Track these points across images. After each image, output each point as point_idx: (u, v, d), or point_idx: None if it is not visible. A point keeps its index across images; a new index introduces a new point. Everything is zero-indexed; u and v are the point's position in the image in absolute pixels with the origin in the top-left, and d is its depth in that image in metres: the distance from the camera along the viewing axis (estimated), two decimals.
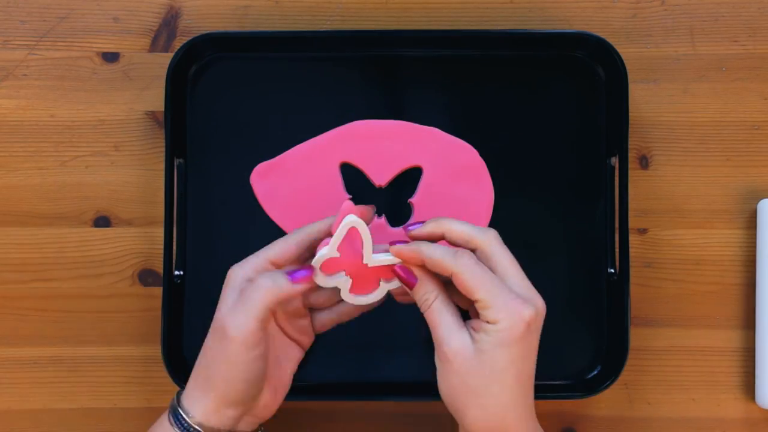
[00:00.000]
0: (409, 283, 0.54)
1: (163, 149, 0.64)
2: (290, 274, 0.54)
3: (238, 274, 0.55)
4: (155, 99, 0.66)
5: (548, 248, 0.65)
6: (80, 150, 0.66)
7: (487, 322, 0.51)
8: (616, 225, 0.64)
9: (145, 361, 0.66)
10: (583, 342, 0.65)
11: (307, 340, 0.59)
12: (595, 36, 0.64)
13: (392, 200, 0.65)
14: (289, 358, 0.58)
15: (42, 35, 0.67)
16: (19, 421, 0.66)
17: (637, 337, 0.65)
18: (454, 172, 0.64)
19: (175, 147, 0.64)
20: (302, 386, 0.65)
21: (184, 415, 0.54)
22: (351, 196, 0.64)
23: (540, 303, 0.52)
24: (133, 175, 0.66)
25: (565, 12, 0.67)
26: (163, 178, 0.64)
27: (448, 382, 0.52)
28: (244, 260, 0.55)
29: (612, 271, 0.64)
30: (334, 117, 0.65)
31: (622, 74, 0.63)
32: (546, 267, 0.65)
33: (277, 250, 0.55)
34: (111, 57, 0.67)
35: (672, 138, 0.66)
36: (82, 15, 0.67)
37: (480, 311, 0.51)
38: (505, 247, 0.54)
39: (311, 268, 0.54)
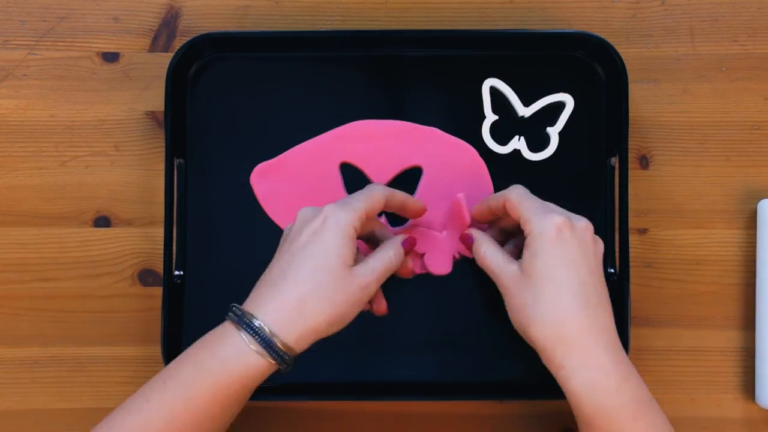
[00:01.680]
0: (469, 240, 0.60)
1: (163, 149, 0.64)
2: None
3: (345, 220, 0.54)
4: (155, 99, 0.66)
5: None
6: (80, 150, 0.66)
7: (527, 236, 0.55)
8: (616, 225, 0.64)
9: (145, 361, 0.66)
10: None
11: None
12: (595, 36, 0.64)
13: None
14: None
15: (42, 35, 0.67)
16: (19, 421, 0.66)
17: (637, 337, 0.65)
18: (454, 172, 0.64)
19: (175, 147, 0.64)
20: (302, 386, 0.65)
21: (277, 344, 0.52)
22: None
23: (578, 217, 0.56)
24: (133, 175, 0.66)
25: (565, 12, 0.67)
26: (163, 178, 0.64)
27: (513, 310, 0.56)
28: (343, 204, 0.55)
29: (612, 271, 0.64)
30: (334, 117, 0.65)
31: (622, 74, 0.63)
32: None
33: (372, 205, 0.56)
34: (111, 57, 0.67)
35: (672, 138, 0.66)
36: (82, 15, 0.67)
37: (523, 228, 0.56)
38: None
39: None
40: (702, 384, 0.66)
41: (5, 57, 0.67)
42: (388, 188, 0.58)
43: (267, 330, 0.52)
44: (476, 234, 0.60)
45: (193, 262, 0.65)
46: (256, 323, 0.52)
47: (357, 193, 0.57)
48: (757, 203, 0.65)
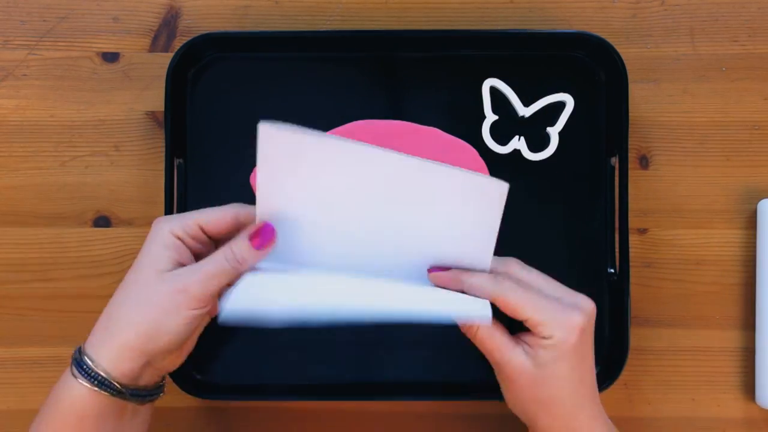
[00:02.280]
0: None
1: (163, 149, 0.64)
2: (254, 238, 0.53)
3: (164, 228, 0.53)
4: (155, 99, 0.66)
5: (548, 248, 0.65)
6: (80, 150, 0.66)
7: (543, 338, 0.53)
8: (616, 225, 0.64)
9: None
10: None
11: (215, 310, 0.55)
12: (595, 36, 0.64)
13: None
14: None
15: (42, 35, 0.67)
16: (19, 421, 0.66)
17: (637, 337, 0.65)
18: None
19: (175, 147, 0.64)
20: (302, 386, 0.65)
21: (90, 364, 0.51)
22: None
23: (587, 304, 0.54)
24: (133, 175, 0.66)
25: (565, 12, 0.67)
26: (163, 178, 0.64)
27: (515, 397, 0.55)
28: (172, 216, 0.55)
29: (612, 271, 0.64)
30: (334, 117, 0.65)
31: (622, 74, 0.63)
32: (546, 267, 0.65)
33: (210, 217, 0.54)
34: (111, 57, 0.67)
35: (672, 138, 0.66)
36: (82, 15, 0.67)
37: (532, 329, 0.53)
38: (530, 268, 0.56)
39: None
40: (702, 384, 0.66)
41: (5, 57, 0.67)
42: (250, 207, 0.54)
43: (82, 355, 0.52)
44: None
45: None
46: (76, 352, 0.52)
47: (202, 209, 0.55)
48: (757, 203, 0.65)
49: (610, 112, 0.65)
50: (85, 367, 0.51)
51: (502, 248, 0.65)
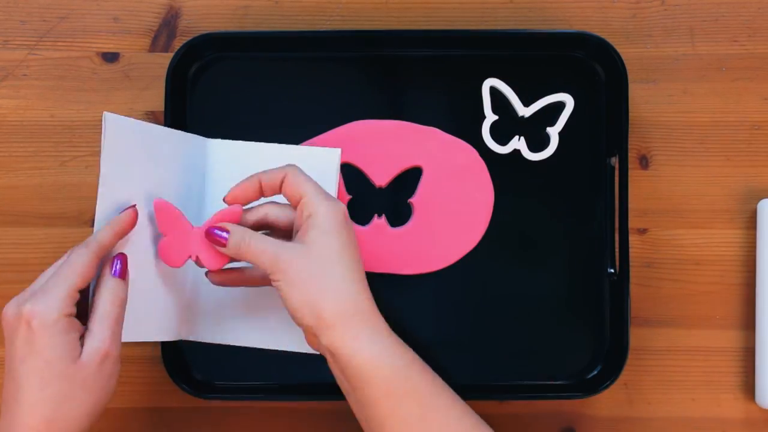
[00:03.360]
0: (220, 238, 0.54)
1: None
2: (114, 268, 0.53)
3: (45, 318, 0.49)
4: (155, 99, 0.66)
5: (548, 248, 0.65)
6: (80, 150, 0.66)
7: (310, 215, 0.54)
8: (616, 225, 0.64)
9: (145, 361, 0.66)
10: (583, 342, 0.65)
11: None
12: (595, 36, 0.64)
13: (392, 200, 0.65)
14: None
15: (42, 35, 0.67)
16: None
17: (637, 337, 0.65)
18: (454, 172, 0.64)
19: None
20: (302, 386, 0.65)
21: None
22: (351, 197, 0.64)
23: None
24: None
25: (565, 12, 0.67)
26: None
27: (294, 292, 0.53)
28: (40, 293, 0.50)
29: (612, 271, 0.64)
30: (334, 117, 0.65)
31: (622, 74, 0.63)
32: (546, 267, 0.65)
33: (79, 275, 0.51)
34: (111, 57, 0.67)
35: (672, 138, 0.66)
36: (82, 15, 0.67)
37: (303, 209, 0.54)
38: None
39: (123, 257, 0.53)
40: (702, 384, 0.66)
41: (5, 57, 0.67)
42: (91, 246, 0.52)
43: None
44: (231, 226, 0.55)
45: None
46: None
47: (56, 269, 0.52)
48: (757, 203, 0.65)
49: (610, 112, 0.65)
50: None
51: (502, 248, 0.65)
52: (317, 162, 0.59)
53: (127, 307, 0.53)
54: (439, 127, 0.65)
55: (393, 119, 0.65)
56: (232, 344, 0.62)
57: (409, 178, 0.65)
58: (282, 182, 0.56)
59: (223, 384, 0.65)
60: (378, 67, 0.65)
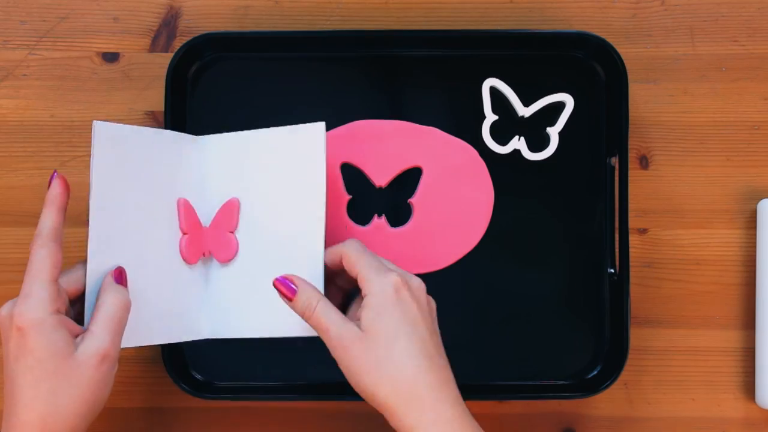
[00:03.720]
0: (288, 293, 0.55)
1: None
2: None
3: (37, 314, 0.50)
4: (155, 99, 0.66)
5: (548, 248, 0.65)
6: (80, 150, 0.66)
7: (365, 296, 0.53)
8: (616, 225, 0.64)
9: (145, 361, 0.66)
10: (583, 342, 0.65)
11: None
12: (595, 36, 0.64)
13: (392, 200, 0.65)
14: None
15: (42, 35, 0.67)
16: None
17: (637, 337, 0.65)
18: (454, 172, 0.64)
19: None
20: (302, 386, 0.65)
21: None
22: (351, 197, 0.64)
23: (411, 275, 0.55)
24: None
25: (565, 12, 0.67)
26: None
27: (355, 372, 0.52)
28: (22, 298, 0.51)
29: (612, 271, 0.64)
30: (334, 117, 0.65)
31: (622, 74, 0.63)
32: (546, 267, 0.65)
33: (49, 269, 0.52)
34: (111, 57, 0.67)
35: (672, 138, 0.66)
36: (82, 15, 0.67)
37: (360, 286, 0.54)
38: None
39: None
40: (702, 384, 0.66)
41: (5, 57, 0.67)
42: (44, 237, 0.53)
43: None
44: (300, 283, 0.55)
45: None
46: None
47: (27, 269, 0.52)
48: (757, 203, 0.65)
49: (610, 112, 0.65)
50: None
51: (502, 248, 0.65)
52: (302, 139, 0.58)
53: (148, 308, 0.54)
54: (439, 127, 0.65)
55: (393, 119, 0.65)
56: (254, 336, 0.61)
57: (409, 178, 0.65)
58: (341, 261, 0.55)
59: (223, 384, 0.65)
60: (378, 67, 0.65)
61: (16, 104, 0.67)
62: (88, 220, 0.53)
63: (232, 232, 0.60)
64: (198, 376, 0.65)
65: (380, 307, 0.52)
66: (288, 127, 0.59)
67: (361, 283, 0.54)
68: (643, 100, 0.66)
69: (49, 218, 0.53)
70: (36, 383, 0.50)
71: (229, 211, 0.60)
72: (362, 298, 0.54)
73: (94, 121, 0.54)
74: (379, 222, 0.64)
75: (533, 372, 0.65)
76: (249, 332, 0.60)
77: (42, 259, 0.52)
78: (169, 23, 0.67)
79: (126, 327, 0.53)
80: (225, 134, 0.61)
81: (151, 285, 0.56)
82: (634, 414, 0.66)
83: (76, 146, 0.66)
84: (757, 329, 0.65)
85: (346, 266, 0.55)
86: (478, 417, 0.67)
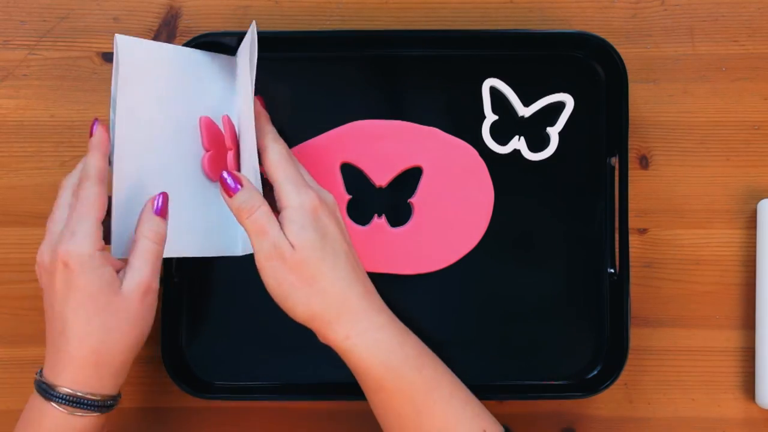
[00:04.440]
0: (230, 189, 0.55)
1: None
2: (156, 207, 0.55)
3: (82, 257, 0.52)
4: None
5: (548, 248, 0.65)
6: (80, 150, 0.66)
7: (283, 209, 0.54)
8: (616, 225, 0.64)
9: (145, 361, 0.66)
10: (583, 342, 0.65)
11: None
12: (595, 36, 0.64)
13: (392, 200, 0.65)
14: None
15: (42, 35, 0.67)
16: None
17: (637, 337, 0.65)
18: (454, 172, 0.64)
19: None
20: (302, 386, 0.65)
21: (68, 392, 0.52)
22: (351, 197, 0.64)
23: (324, 192, 0.56)
24: None
25: (565, 12, 0.67)
26: None
27: (284, 286, 0.54)
28: (68, 233, 0.52)
29: (612, 271, 0.64)
30: (334, 117, 0.65)
31: (622, 74, 0.63)
32: (546, 267, 0.65)
33: (98, 210, 0.54)
34: (111, 57, 0.67)
35: (672, 138, 0.66)
36: (82, 15, 0.67)
37: (277, 199, 0.55)
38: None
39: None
40: (702, 384, 0.66)
41: (5, 57, 0.67)
42: (92, 178, 0.54)
43: (78, 394, 0.52)
44: (246, 182, 0.55)
45: (192, 261, 0.65)
46: (63, 391, 0.52)
47: (73, 209, 0.54)
48: (757, 203, 0.65)
49: (610, 112, 0.65)
50: (90, 403, 0.53)
51: (502, 248, 0.65)
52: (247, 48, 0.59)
53: (177, 221, 0.56)
54: (439, 127, 0.65)
55: (393, 119, 0.65)
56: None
57: (409, 178, 0.65)
58: (262, 149, 0.56)
59: (223, 384, 0.65)
60: (378, 67, 0.65)
61: (16, 104, 0.66)
62: (112, 136, 0.55)
63: (230, 151, 0.60)
64: (198, 376, 0.65)
65: (303, 222, 0.53)
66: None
67: (279, 194, 0.55)
68: (643, 100, 0.66)
69: (95, 161, 0.54)
70: (88, 319, 0.52)
71: (226, 130, 0.60)
72: (278, 211, 0.54)
73: (116, 35, 0.55)
74: (379, 222, 0.64)
75: (533, 372, 0.65)
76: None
77: (92, 198, 0.53)
78: (169, 23, 0.67)
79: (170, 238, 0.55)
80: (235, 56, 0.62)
81: (177, 199, 0.57)
82: (634, 414, 0.66)
83: (76, 146, 0.66)
84: (757, 329, 0.65)
85: (267, 171, 0.56)
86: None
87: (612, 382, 0.63)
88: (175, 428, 0.66)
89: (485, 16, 0.67)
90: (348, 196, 0.64)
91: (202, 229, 0.59)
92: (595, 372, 0.65)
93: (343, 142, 0.64)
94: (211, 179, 0.60)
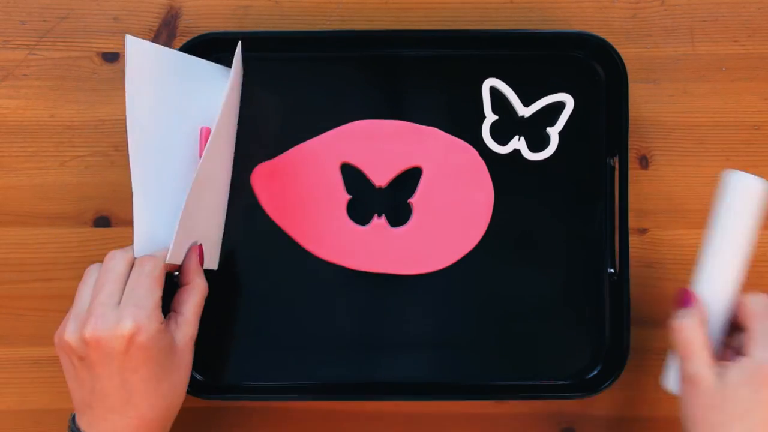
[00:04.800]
0: (687, 301, 0.55)
1: None
2: None
3: (150, 326, 0.53)
4: None
5: (548, 248, 0.65)
6: (80, 150, 0.66)
7: (744, 355, 0.51)
8: (616, 225, 0.64)
9: None
10: (583, 342, 0.65)
11: None
12: (595, 36, 0.64)
13: (392, 200, 0.65)
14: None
15: (42, 35, 0.67)
16: (19, 421, 0.66)
17: (637, 337, 0.65)
18: (454, 172, 0.64)
19: None
20: (302, 386, 0.65)
21: None
22: (351, 197, 0.64)
23: None
24: None
25: (565, 12, 0.67)
26: None
27: (691, 411, 0.53)
28: (137, 299, 0.53)
29: (612, 271, 0.64)
30: (334, 117, 0.65)
31: (622, 74, 0.63)
32: (546, 267, 0.65)
33: (160, 287, 0.55)
34: (111, 57, 0.67)
35: (672, 138, 0.66)
36: (82, 15, 0.67)
37: (744, 344, 0.52)
38: None
39: None
40: None
41: (5, 57, 0.67)
42: (159, 260, 0.56)
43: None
44: (696, 304, 0.55)
45: None
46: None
47: (136, 282, 0.54)
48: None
49: (610, 112, 0.65)
50: None
51: (502, 248, 0.65)
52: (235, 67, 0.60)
53: (164, 231, 0.57)
54: (439, 127, 0.65)
55: (393, 119, 0.65)
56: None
57: (409, 178, 0.65)
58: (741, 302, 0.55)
59: (223, 384, 0.65)
60: (378, 67, 0.65)
61: (16, 104, 0.67)
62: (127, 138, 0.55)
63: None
64: (198, 376, 0.65)
65: (753, 378, 0.50)
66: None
67: (748, 341, 0.52)
68: (643, 100, 0.66)
69: (160, 255, 0.56)
70: (158, 384, 0.54)
71: (201, 140, 0.61)
72: (741, 355, 0.52)
73: (127, 35, 0.55)
74: (379, 222, 0.64)
75: (533, 372, 0.65)
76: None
77: (155, 273, 0.55)
78: (169, 23, 0.67)
79: (152, 241, 0.57)
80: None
81: (169, 208, 0.57)
82: (634, 414, 0.66)
83: (76, 146, 0.66)
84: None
85: (740, 315, 0.54)
86: (478, 417, 0.67)
87: (612, 382, 0.63)
88: (175, 428, 0.66)
89: (485, 16, 0.67)
90: (348, 196, 0.64)
91: (187, 241, 0.59)
92: (595, 372, 0.65)
93: (343, 142, 0.64)
94: None
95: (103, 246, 0.66)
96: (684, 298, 0.56)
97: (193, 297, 0.57)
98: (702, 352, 0.53)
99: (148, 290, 0.54)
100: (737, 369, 0.51)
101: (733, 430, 0.50)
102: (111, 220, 0.66)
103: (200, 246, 0.59)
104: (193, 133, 0.60)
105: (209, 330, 0.65)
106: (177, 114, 0.59)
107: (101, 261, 0.66)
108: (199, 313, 0.57)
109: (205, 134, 0.60)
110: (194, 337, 0.57)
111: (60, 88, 0.66)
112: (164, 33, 0.67)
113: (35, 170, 0.66)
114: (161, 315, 0.54)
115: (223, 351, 0.64)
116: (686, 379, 0.53)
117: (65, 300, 0.66)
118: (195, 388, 0.64)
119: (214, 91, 0.61)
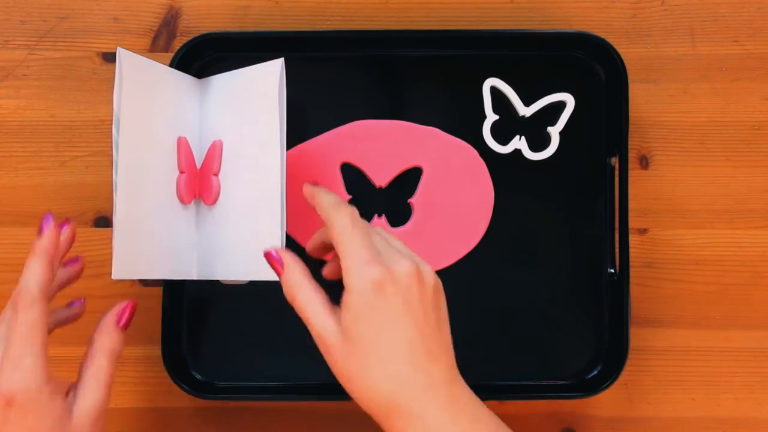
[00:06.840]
0: (277, 269, 0.50)
1: None
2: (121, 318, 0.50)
3: (29, 389, 0.45)
4: None
5: (548, 248, 0.65)
6: (80, 150, 0.66)
7: (346, 291, 0.47)
8: (616, 225, 0.64)
9: (145, 361, 0.66)
10: (583, 342, 0.65)
11: None
12: (595, 36, 0.64)
13: (392, 200, 0.65)
14: None
15: (42, 35, 0.67)
16: None
17: (637, 337, 0.65)
18: (454, 172, 0.64)
19: None
20: (302, 386, 0.65)
21: None
22: (351, 197, 0.64)
23: (400, 261, 0.48)
24: None
25: (565, 12, 0.67)
26: None
27: (335, 373, 0.49)
28: (12, 364, 0.45)
29: (612, 271, 0.64)
30: (334, 117, 0.65)
31: (622, 74, 0.63)
32: (546, 267, 0.65)
33: (42, 332, 0.47)
34: (111, 57, 0.67)
35: (672, 138, 0.66)
36: (82, 15, 0.67)
37: (343, 278, 0.48)
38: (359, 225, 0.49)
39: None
40: (702, 384, 0.66)
41: (5, 57, 0.67)
42: (34, 297, 0.48)
43: None
44: (288, 260, 0.49)
45: None
46: None
47: (13, 332, 0.46)
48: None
49: (610, 112, 0.65)
50: None
51: (502, 248, 0.65)
52: (259, 76, 0.58)
53: (145, 241, 0.53)
54: (439, 127, 0.65)
55: (393, 119, 0.65)
56: (236, 279, 0.60)
57: (409, 178, 0.65)
58: (327, 224, 0.50)
59: (223, 384, 0.65)
60: (378, 67, 0.65)
61: (16, 104, 0.66)
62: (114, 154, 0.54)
63: (215, 175, 0.60)
64: (198, 376, 0.65)
65: (359, 309, 0.47)
66: (247, 69, 0.59)
67: (343, 273, 0.47)
68: (643, 100, 0.66)
69: (39, 271, 0.48)
70: None
71: (213, 153, 0.60)
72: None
73: (119, 48, 0.54)
74: (379, 222, 0.64)
75: (533, 372, 0.65)
76: (231, 275, 0.59)
77: (32, 322, 0.47)
78: (169, 23, 0.67)
79: (122, 258, 0.50)
80: (223, 74, 0.61)
81: (149, 219, 0.57)
82: (634, 414, 0.66)
83: (76, 146, 0.66)
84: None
85: (335, 246, 0.49)
86: None
87: (612, 382, 0.63)
88: (175, 428, 0.66)
89: (485, 16, 0.67)
90: (348, 196, 0.64)
91: (168, 251, 0.59)
92: (595, 372, 0.65)
93: (343, 142, 0.64)
94: (183, 202, 0.60)
95: (103, 246, 0.66)
96: (273, 266, 0.50)
97: (95, 363, 0.48)
98: (319, 306, 0.48)
99: (23, 343, 0.46)
100: (345, 312, 0.47)
101: (371, 370, 0.47)
102: (111, 220, 0.66)
103: (130, 306, 0.51)
104: (172, 144, 0.59)
105: (209, 330, 0.65)
106: (158, 125, 0.58)
107: (101, 261, 0.66)
108: (106, 383, 0.48)
109: (182, 144, 0.60)
110: (99, 413, 0.47)
111: (60, 88, 0.66)
112: (164, 33, 0.67)
113: (35, 170, 0.66)
114: (44, 374, 0.46)
115: (223, 351, 0.64)
116: (319, 343, 0.48)
117: (65, 300, 0.66)
118: (195, 388, 0.64)
119: (190, 102, 0.61)
